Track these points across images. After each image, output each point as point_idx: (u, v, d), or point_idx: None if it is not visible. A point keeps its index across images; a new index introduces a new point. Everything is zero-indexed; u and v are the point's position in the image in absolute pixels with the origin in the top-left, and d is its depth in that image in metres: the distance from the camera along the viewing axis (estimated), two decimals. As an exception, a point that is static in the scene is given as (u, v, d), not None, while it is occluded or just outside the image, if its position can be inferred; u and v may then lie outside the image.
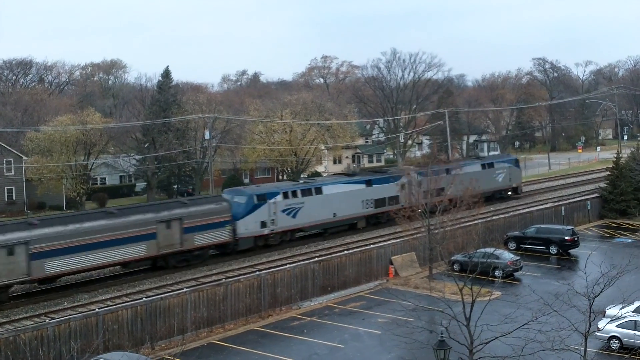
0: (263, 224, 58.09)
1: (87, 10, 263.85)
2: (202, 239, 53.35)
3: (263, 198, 58.66)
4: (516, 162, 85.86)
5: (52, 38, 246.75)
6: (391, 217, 60.58)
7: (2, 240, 43.87)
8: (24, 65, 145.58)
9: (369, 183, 67.77)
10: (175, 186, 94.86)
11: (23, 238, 44.69)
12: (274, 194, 59.78)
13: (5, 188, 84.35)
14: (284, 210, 59.78)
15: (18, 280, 44.76)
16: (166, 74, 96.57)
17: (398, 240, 54.34)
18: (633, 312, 37.35)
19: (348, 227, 66.32)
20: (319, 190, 63.55)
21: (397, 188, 67.85)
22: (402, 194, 65.35)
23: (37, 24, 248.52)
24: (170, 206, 54.37)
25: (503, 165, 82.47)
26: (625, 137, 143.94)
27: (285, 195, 60.43)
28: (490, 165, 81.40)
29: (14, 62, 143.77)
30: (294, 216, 60.82)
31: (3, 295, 44.34)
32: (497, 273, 48.43)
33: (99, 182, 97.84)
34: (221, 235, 54.73)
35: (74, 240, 46.50)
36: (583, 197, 76.31)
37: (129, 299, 43.41)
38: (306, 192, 62.44)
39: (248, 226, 56.95)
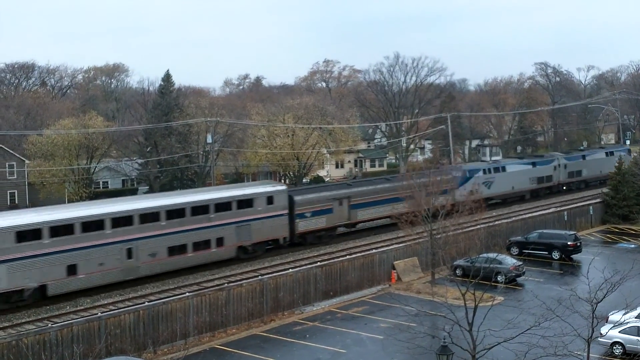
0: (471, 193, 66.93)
1: (89, 14, 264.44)
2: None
3: (472, 173, 76.52)
4: (628, 151, 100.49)
5: (54, 41, 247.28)
6: (549, 192, 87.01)
7: (338, 194, 64.75)
8: (27, 69, 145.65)
9: (534, 164, 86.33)
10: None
11: (346, 194, 65.02)
12: (477, 170, 78.20)
13: (8, 192, 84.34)
14: (483, 183, 76.01)
15: (342, 223, 64.93)
16: (167, 77, 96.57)
17: (400, 245, 54.34)
18: (636, 317, 37.33)
19: (519, 198, 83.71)
20: (504, 169, 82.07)
21: (551, 169, 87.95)
22: (555, 174, 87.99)
23: (40, 28, 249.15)
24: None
25: (620, 152, 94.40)
26: (628, 142, 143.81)
27: (484, 172, 78.86)
28: (611, 153, 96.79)
29: (16, 66, 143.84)
30: (488, 187, 77.49)
31: (333, 233, 64.19)
32: (499, 278, 48.42)
33: (101, 186, 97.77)
34: None
35: (371, 197, 66.88)
36: (585, 202, 76.27)
37: (131, 303, 43.36)
38: (497, 170, 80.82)
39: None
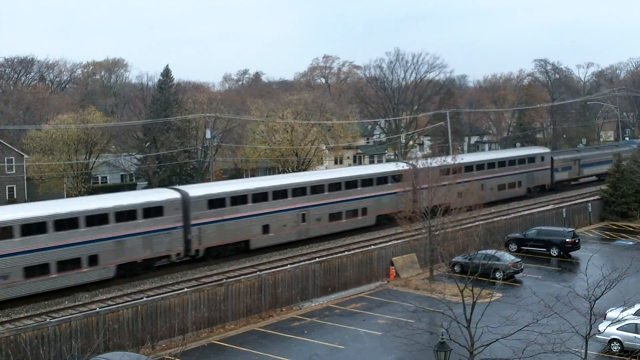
0: None
1: (88, 8, 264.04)
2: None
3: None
4: None
5: (53, 36, 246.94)
6: None
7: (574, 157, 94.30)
8: (26, 64, 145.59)
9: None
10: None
11: (577, 157, 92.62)
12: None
13: (7, 186, 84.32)
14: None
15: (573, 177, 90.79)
16: (166, 72, 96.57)
17: (399, 241, 54.36)
18: (634, 315, 37.36)
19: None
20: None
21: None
22: None
23: (39, 22, 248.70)
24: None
25: None
26: (627, 139, 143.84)
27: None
28: None
29: (15, 60, 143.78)
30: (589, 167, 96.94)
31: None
32: (497, 275, 48.46)
33: (100, 181, 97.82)
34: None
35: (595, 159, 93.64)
36: (584, 199, 76.32)
37: (129, 299, 43.47)
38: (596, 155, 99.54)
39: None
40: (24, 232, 44.92)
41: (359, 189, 66.15)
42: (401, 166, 64.93)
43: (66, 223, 46.94)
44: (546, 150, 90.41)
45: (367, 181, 66.97)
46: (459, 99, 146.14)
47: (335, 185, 64.26)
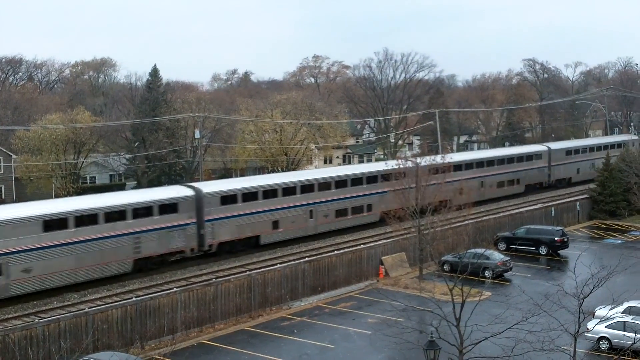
0: None
1: (76, 8, 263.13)
2: None
3: None
4: None
5: (41, 36, 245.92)
6: None
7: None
8: (14, 63, 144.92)
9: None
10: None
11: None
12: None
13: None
14: None
15: None
16: (154, 72, 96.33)
17: (388, 240, 54.39)
18: (622, 313, 37.53)
19: None
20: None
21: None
22: None
23: (27, 22, 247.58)
24: None
25: None
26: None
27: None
28: None
29: (3, 60, 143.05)
30: None
31: None
32: (487, 273, 48.56)
33: (88, 181, 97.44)
34: None
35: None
36: (573, 198, 76.57)
37: (118, 299, 43.29)
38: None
39: None
40: (336, 186, 63.75)
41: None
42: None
43: (357, 181, 65.72)
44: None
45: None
46: (448, 99, 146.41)
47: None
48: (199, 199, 54.59)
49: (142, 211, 50.93)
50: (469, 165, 78.22)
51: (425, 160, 57.76)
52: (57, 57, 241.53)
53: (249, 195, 57.87)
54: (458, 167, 72.82)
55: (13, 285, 44.16)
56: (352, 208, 65.53)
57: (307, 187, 62.13)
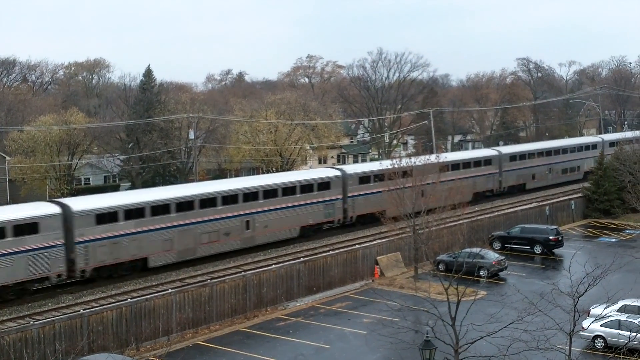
0: None
1: (70, 9, 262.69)
2: None
3: None
4: None
5: (35, 37, 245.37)
6: None
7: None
8: (7, 65, 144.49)
9: None
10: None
11: None
12: None
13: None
14: None
15: None
16: (148, 73, 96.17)
17: (383, 240, 54.39)
18: (617, 311, 37.61)
19: None
20: None
21: None
22: None
23: (21, 23, 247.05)
24: None
25: None
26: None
27: None
28: None
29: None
30: None
31: None
32: (482, 273, 48.61)
33: (82, 182, 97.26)
34: None
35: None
36: (567, 197, 76.68)
37: (113, 300, 43.22)
38: None
39: None
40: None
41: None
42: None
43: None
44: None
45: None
46: (442, 98, 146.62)
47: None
48: (344, 179, 65.15)
49: (307, 188, 61.96)
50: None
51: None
52: (50, 58, 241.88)
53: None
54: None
55: (257, 237, 57.65)
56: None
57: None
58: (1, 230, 44.03)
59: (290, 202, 60.56)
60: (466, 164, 79.36)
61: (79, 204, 49.03)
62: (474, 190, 78.36)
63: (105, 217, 48.72)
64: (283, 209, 59.85)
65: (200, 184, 65.01)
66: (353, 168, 69.77)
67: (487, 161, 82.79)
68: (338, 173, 65.62)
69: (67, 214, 47.33)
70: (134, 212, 50.15)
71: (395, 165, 56.67)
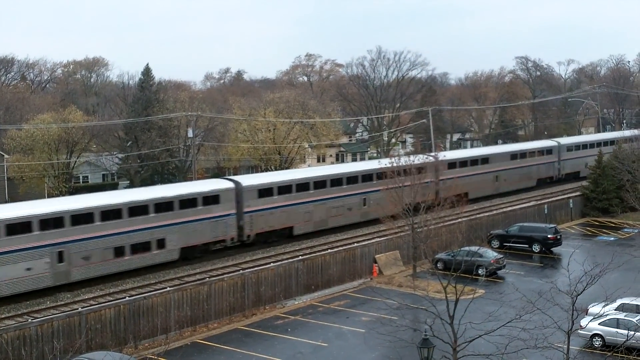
0: None
1: (68, 8, 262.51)
2: None
3: None
4: None
5: (34, 36, 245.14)
6: None
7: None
8: (6, 63, 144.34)
9: None
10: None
11: None
12: None
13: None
14: None
15: None
16: (147, 71, 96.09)
17: (382, 238, 54.38)
18: (615, 310, 37.63)
19: None
20: None
21: None
22: None
23: (19, 22, 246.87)
24: None
25: None
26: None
27: None
28: None
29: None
30: None
31: None
32: (480, 271, 48.62)
33: (81, 180, 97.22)
34: None
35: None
36: (566, 196, 76.70)
37: (112, 298, 43.22)
38: None
39: None
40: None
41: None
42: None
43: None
44: None
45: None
46: (441, 97, 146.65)
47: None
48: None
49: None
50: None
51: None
52: (49, 57, 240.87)
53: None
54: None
55: (371, 212, 63.75)
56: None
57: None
58: (194, 200, 54.20)
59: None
60: (531, 153, 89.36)
61: (246, 180, 59.58)
62: (538, 176, 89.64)
63: (265, 192, 59.00)
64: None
65: (331, 167, 77.74)
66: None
67: (549, 151, 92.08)
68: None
69: (238, 189, 57.56)
70: (284, 189, 60.53)
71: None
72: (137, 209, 50.82)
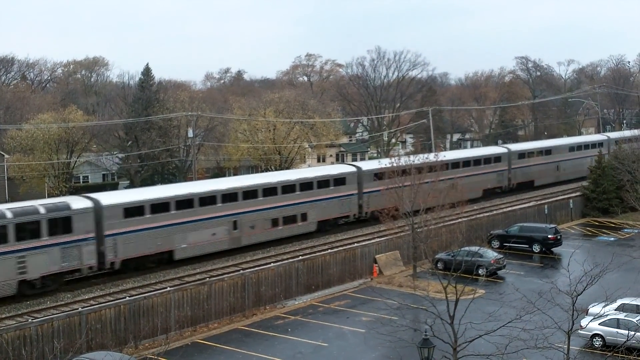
0: None
1: (69, 7, 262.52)
2: None
3: None
4: None
5: (34, 35, 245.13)
6: None
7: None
8: (6, 63, 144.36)
9: None
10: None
11: None
12: None
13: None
14: None
15: None
16: (147, 71, 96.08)
17: (382, 238, 54.39)
18: (615, 310, 37.64)
19: None
20: None
21: None
22: None
23: (19, 22, 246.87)
24: None
25: None
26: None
27: None
28: None
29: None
30: None
31: None
32: (480, 271, 48.64)
33: (81, 180, 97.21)
34: None
35: None
36: (566, 196, 76.70)
37: (112, 298, 43.21)
38: None
39: None
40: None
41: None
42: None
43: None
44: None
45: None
46: (441, 97, 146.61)
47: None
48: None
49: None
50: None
51: None
52: (49, 57, 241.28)
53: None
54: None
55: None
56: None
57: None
58: (327, 181, 63.64)
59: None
60: (580, 147, 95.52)
61: (364, 166, 68.11)
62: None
63: (378, 175, 64.06)
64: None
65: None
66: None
67: (594, 145, 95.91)
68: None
69: (359, 173, 66.42)
70: (384, 175, 62.80)
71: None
72: (288, 188, 60.71)
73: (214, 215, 54.94)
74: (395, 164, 56.45)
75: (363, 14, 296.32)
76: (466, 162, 78.81)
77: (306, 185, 62.28)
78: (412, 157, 57.64)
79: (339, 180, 65.09)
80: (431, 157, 59.03)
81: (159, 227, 51.37)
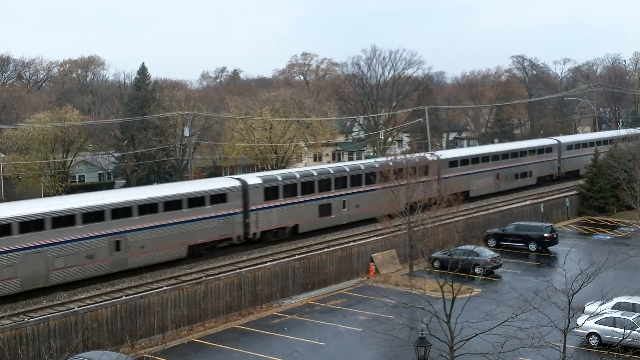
0: None
1: (64, 6, 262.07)
2: None
3: None
4: None
5: (30, 34, 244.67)
6: None
7: None
8: (2, 62, 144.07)
9: None
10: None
11: None
12: None
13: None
14: None
15: None
16: (142, 70, 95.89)
17: (379, 237, 54.41)
18: (612, 308, 37.68)
19: None
20: None
21: None
22: None
23: (15, 20, 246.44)
24: None
25: None
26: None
27: None
28: None
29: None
30: None
31: None
32: (477, 270, 48.57)
33: (77, 179, 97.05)
34: None
35: None
36: (562, 194, 76.77)
37: (108, 298, 43.15)
38: None
39: None
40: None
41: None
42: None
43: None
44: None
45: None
46: (437, 96, 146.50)
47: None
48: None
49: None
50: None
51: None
52: (45, 56, 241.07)
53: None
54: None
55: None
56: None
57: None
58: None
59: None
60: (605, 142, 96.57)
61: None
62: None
63: (458, 162, 77.15)
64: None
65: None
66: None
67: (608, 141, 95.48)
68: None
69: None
70: (460, 162, 78.43)
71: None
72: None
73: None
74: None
75: (360, 12, 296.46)
76: (522, 152, 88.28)
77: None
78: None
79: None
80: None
81: (289, 204, 60.71)
